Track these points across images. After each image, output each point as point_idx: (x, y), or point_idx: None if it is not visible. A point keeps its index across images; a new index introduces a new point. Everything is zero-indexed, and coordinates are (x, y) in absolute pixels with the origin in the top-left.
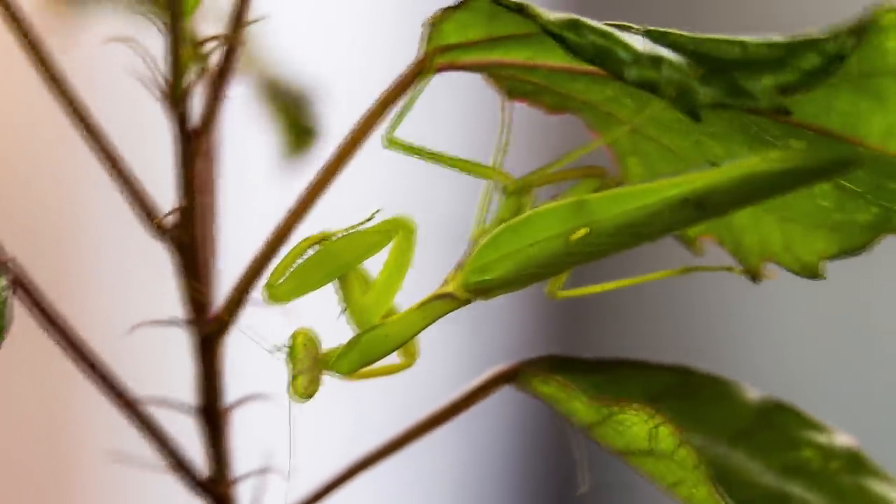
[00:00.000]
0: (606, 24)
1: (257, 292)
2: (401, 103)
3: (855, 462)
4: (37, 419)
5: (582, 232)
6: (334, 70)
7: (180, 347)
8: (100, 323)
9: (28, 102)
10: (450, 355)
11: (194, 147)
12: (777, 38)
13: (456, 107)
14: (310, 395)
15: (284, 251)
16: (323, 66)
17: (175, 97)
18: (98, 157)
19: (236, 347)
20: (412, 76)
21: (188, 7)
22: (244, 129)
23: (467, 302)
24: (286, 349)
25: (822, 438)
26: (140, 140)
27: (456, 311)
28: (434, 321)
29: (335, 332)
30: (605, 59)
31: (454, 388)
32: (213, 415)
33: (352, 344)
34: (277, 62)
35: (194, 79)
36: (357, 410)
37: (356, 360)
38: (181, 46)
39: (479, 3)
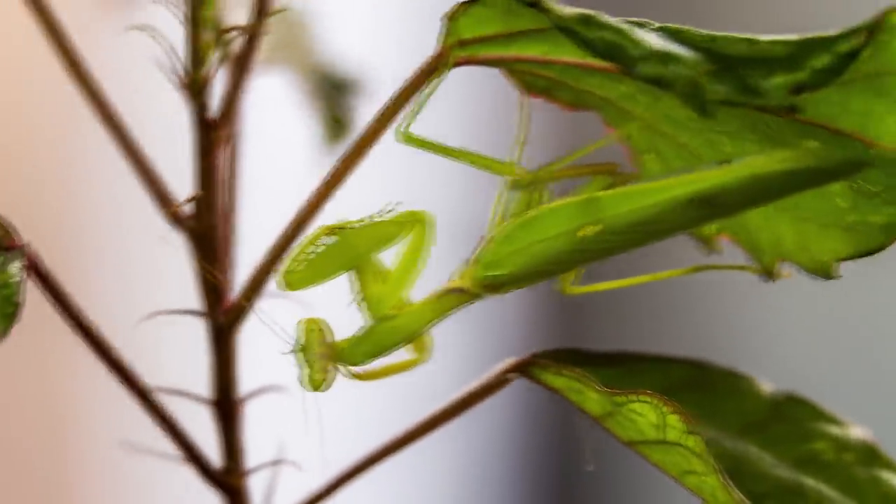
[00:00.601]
0: (621, 20)
1: (273, 283)
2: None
3: (869, 454)
4: (44, 407)
5: (593, 229)
6: (361, 61)
7: (194, 338)
8: (114, 311)
9: (46, 88)
10: (454, 350)
11: (213, 137)
12: (788, 36)
13: (467, 101)
14: (324, 386)
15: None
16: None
17: (194, 86)
18: (116, 145)
19: (250, 339)
20: (430, 70)
21: None
22: (269, 119)
23: (479, 296)
24: (296, 338)
25: (836, 431)
26: (161, 129)
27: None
28: (446, 315)
29: (348, 328)
30: (615, 54)
31: (457, 383)
32: (226, 406)
33: (363, 334)
34: (320, 50)
35: (215, 68)
36: (365, 403)
37: (367, 350)
38: (201, 35)
39: None
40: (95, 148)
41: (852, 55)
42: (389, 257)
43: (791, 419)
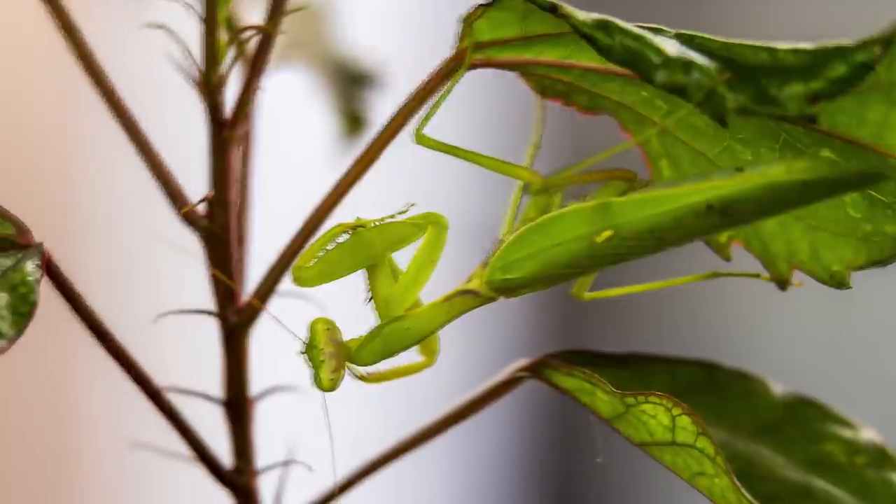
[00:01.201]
0: (638, 25)
1: (285, 283)
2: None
3: (881, 456)
4: (54, 406)
5: (606, 234)
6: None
7: (206, 338)
8: (126, 311)
9: (57, 86)
10: (461, 352)
11: (227, 136)
12: (805, 45)
13: (482, 104)
14: (334, 386)
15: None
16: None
17: (208, 86)
18: (130, 144)
19: (261, 340)
20: (447, 72)
21: None
22: (284, 118)
23: (491, 299)
24: (306, 338)
25: (847, 433)
26: (175, 128)
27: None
28: (456, 317)
29: (359, 329)
30: (634, 61)
31: (464, 385)
32: (238, 406)
33: (373, 334)
34: (336, 44)
35: (229, 67)
36: (373, 403)
37: (377, 350)
38: (216, 35)
39: (513, 1)
40: (108, 146)
41: (869, 65)
42: (403, 258)
43: (802, 421)
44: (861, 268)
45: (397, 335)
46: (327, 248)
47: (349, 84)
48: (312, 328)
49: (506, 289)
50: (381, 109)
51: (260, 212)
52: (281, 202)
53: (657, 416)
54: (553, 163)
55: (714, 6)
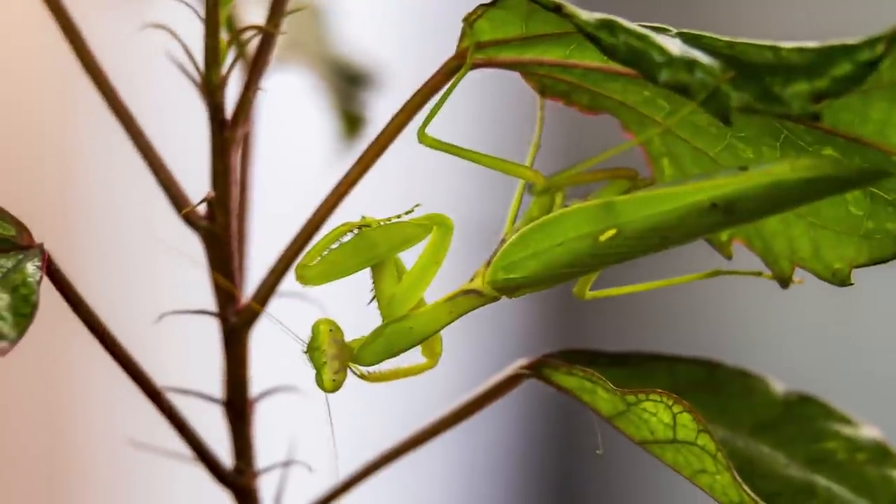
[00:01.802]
0: (641, 25)
1: (287, 284)
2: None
3: (881, 454)
4: (54, 406)
5: (609, 233)
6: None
7: (206, 338)
8: (126, 311)
9: (58, 86)
10: (461, 352)
11: (228, 137)
12: (809, 44)
13: (483, 104)
14: (337, 386)
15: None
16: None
17: (209, 87)
18: (131, 145)
19: (261, 341)
20: (449, 71)
21: None
22: (284, 119)
23: (494, 299)
24: (308, 338)
25: (848, 430)
26: (175, 128)
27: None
28: (459, 317)
29: (362, 329)
30: (638, 60)
31: (464, 384)
32: (238, 406)
33: (376, 334)
34: (335, 44)
35: (230, 68)
36: (373, 403)
37: (380, 351)
38: (217, 35)
39: (515, 1)
40: (108, 146)
41: (873, 64)
42: (407, 258)
43: (803, 419)
44: (863, 265)
45: (400, 335)
46: (332, 246)
47: (348, 84)
48: (315, 329)
49: (508, 288)
50: (380, 110)
51: (260, 212)
52: (281, 203)
53: (658, 413)
54: (555, 162)
55: (714, 6)
